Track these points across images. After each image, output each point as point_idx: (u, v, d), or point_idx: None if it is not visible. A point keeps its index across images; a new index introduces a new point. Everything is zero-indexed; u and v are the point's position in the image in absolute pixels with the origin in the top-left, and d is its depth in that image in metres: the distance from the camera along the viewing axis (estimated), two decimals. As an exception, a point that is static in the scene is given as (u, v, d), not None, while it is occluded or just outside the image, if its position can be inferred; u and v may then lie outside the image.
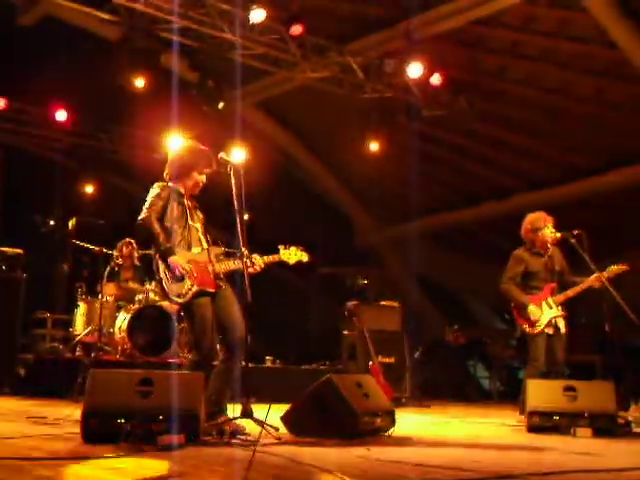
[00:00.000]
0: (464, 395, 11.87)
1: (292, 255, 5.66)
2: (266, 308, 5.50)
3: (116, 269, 9.55)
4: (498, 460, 4.27)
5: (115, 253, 9.57)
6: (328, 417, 5.21)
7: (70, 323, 9.74)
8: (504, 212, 14.16)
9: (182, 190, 5.47)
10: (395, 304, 10.31)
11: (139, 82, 9.48)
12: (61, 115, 11.40)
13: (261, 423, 5.11)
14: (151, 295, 9.32)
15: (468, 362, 13.45)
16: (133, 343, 8.87)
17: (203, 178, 5.53)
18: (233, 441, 4.71)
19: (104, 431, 4.48)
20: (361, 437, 5.06)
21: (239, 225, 5.31)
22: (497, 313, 16.37)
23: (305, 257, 5.71)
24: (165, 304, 9.25)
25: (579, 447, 5.11)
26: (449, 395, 11.64)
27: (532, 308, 6.94)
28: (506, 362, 13.14)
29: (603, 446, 5.26)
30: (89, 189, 12.74)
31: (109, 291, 9.37)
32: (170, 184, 5.46)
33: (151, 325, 8.97)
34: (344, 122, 12.92)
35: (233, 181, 5.40)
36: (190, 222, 5.41)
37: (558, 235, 7.09)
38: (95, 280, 9.48)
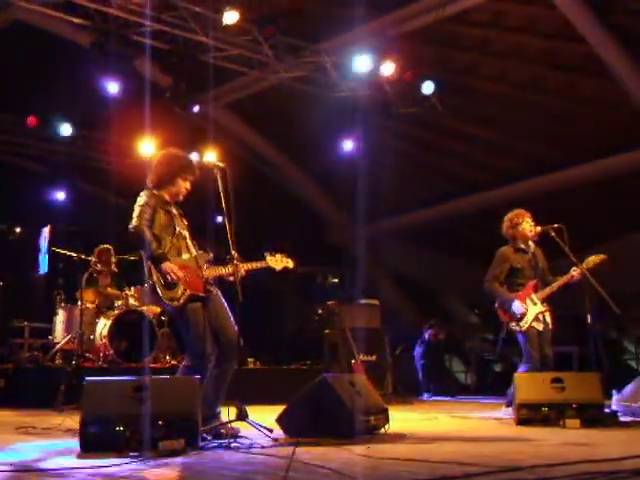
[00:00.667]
0: (442, 390, 11.94)
1: (278, 262, 5.71)
2: (241, 309, 5.55)
3: (94, 275, 9.46)
4: (499, 454, 4.31)
5: (93, 259, 9.48)
6: (323, 417, 5.22)
7: (48, 331, 9.63)
8: (475, 207, 14.31)
9: (167, 197, 5.48)
10: (375, 302, 10.34)
11: (112, 87, 9.41)
12: (32, 121, 11.24)
13: (255, 426, 5.15)
14: (130, 301, 9.27)
15: (445, 357, 13.55)
16: (114, 349, 8.81)
17: (187, 185, 5.56)
18: (233, 445, 4.69)
19: (103, 439, 4.46)
20: (356, 436, 5.07)
21: (228, 229, 5.32)
22: (471, 309, 16.52)
23: (291, 264, 5.77)
24: (145, 309, 9.23)
25: (573, 438, 5.20)
26: (427, 391, 11.71)
27: (517, 305, 7.01)
28: (483, 356, 13.27)
29: (596, 436, 5.35)
30: (61, 196, 12.60)
31: (88, 298, 9.28)
32: (155, 192, 5.46)
33: (132, 331, 8.91)
34: (316, 121, 12.92)
35: (220, 184, 5.43)
36: (178, 229, 5.45)
37: (538, 229, 7.19)
38: (72, 287, 9.40)
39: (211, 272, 5.42)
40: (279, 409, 5.46)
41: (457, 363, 14.74)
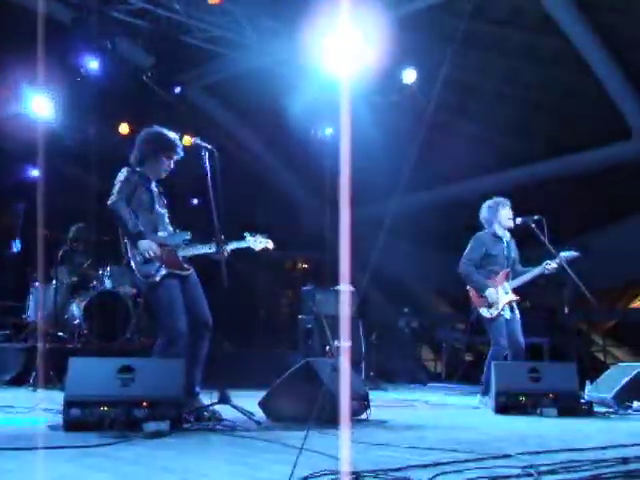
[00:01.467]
0: (414, 378, 12.01)
1: (258, 242, 5.69)
2: (213, 292, 5.59)
3: (70, 254, 9.36)
4: (483, 441, 4.36)
5: (68, 238, 9.38)
6: (306, 401, 5.22)
7: (21, 310, 9.51)
8: (446, 198, 14.40)
9: (149, 175, 5.46)
10: (350, 288, 10.34)
11: (92, 65, 9.27)
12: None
13: (239, 409, 5.15)
14: (106, 280, 9.19)
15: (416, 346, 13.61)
16: (89, 329, 8.75)
17: (170, 163, 5.54)
18: (217, 427, 4.69)
19: (86, 419, 4.43)
20: (338, 421, 5.08)
21: (214, 210, 5.30)
22: (440, 298, 16.62)
23: (270, 244, 5.75)
24: (121, 289, 9.16)
25: (552, 427, 5.26)
26: (400, 378, 11.79)
27: (491, 291, 7.08)
28: (454, 345, 13.36)
29: (574, 426, 5.42)
30: (34, 174, 12.37)
31: (63, 277, 9.19)
32: (138, 169, 5.44)
33: (107, 311, 8.85)
34: (293, 106, 12.87)
35: (207, 165, 5.41)
36: (157, 207, 5.45)
37: (518, 220, 7.25)
38: (48, 266, 9.28)
39: (191, 251, 5.43)
40: (256, 393, 5.49)
41: (427, 351, 14.82)
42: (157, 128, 5.67)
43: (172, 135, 5.60)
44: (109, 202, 5.23)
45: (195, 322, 5.31)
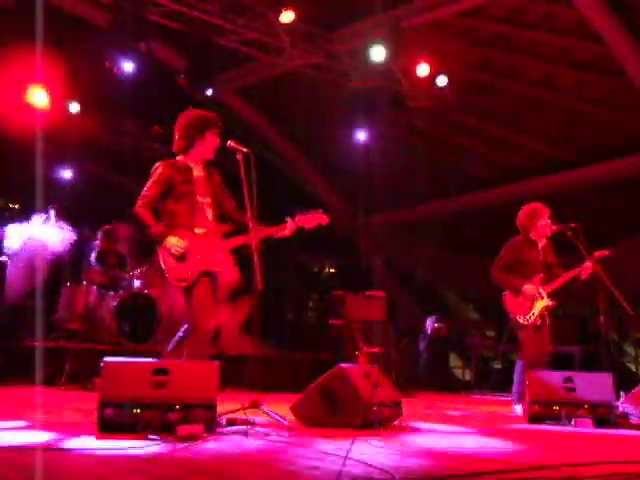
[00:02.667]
0: (443, 385, 11.93)
1: (308, 220, 5.56)
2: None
3: (101, 255, 9.39)
4: (520, 451, 4.29)
5: (98, 239, 9.42)
6: (338, 407, 5.19)
7: (53, 310, 9.55)
8: (479, 204, 14.29)
9: (191, 164, 5.43)
10: (381, 294, 10.28)
11: (126, 67, 9.30)
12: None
13: (270, 414, 5.12)
14: (136, 282, 9.21)
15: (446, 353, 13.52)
16: (119, 330, 8.76)
17: (216, 139, 5.47)
18: (251, 432, 4.65)
19: (120, 421, 4.41)
20: (370, 427, 5.05)
21: (250, 215, 5.25)
22: (470, 304, 16.51)
23: (325, 219, 5.60)
24: (150, 291, 9.17)
25: (588, 438, 5.17)
26: (429, 385, 11.70)
27: (528, 287, 6.99)
28: (482, 354, 13.25)
29: (612, 437, 5.32)
30: (67, 175, 12.44)
31: (94, 277, 9.22)
32: (179, 157, 5.43)
33: (137, 312, 8.86)
34: (325, 110, 12.87)
35: (243, 169, 5.35)
36: (199, 198, 5.37)
37: (555, 227, 7.16)
38: (79, 267, 9.34)
39: (226, 244, 5.39)
40: (287, 397, 5.45)
41: (455, 359, 14.72)
42: (190, 110, 5.63)
43: (209, 111, 5.58)
44: (135, 208, 5.25)
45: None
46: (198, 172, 5.45)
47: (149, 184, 5.31)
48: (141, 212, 5.19)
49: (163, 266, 5.17)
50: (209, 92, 9.97)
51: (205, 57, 9.75)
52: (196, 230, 5.31)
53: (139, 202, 5.22)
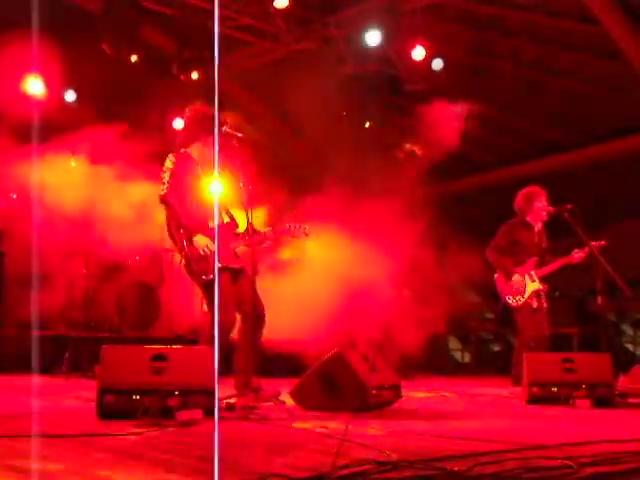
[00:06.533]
0: (440, 368, 11.96)
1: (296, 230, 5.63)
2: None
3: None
4: (520, 431, 4.31)
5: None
6: (337, 391, 5.21)
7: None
8: (477, 186, 14.30)
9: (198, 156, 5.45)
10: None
11: (122, 53, 9.24)
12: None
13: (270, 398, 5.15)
14: (136, 269, 9.22)
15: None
16: (120, 318, 8.78)
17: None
18: (250, 416, 4.67)
19: (120, 407, 4.43)
20: (369, 410, 5.07)
21: (247, 201, 5.26)
22: (469, 286, 16.49)
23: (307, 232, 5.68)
24: (150, 278, 9.19)
25: (588, 418, 5.19)
26: (428, 368, 11.71)
27: (517, 277, 7.05)
28: (481, 336, 13.28)
29: (611, 417, 5.35)
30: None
31: (94, 265, 9.21)
32: (181, 152, 5.44)
33: (137, 300, 8.88)
34: (320, 95, 12.80)
35: (240, 156, 5.35)
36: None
37: (552, 209, 7.18)
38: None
39: (238, 243, 5.43)
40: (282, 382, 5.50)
41: (454, 341, 14.74)
42: (200, 105, 5.62)
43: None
44: (161, 193, 5.24)
45: (248, 315, 5.32)
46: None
47: (169, 173, 5.32)
48: (170, 201, 5.23)
49: (189, 259, 5.22)
50: (194, 76, 9.81)
51: (199, 43, 9.71)
52: (210, 224, 5.37)
53: (165, 190, 5.23)
